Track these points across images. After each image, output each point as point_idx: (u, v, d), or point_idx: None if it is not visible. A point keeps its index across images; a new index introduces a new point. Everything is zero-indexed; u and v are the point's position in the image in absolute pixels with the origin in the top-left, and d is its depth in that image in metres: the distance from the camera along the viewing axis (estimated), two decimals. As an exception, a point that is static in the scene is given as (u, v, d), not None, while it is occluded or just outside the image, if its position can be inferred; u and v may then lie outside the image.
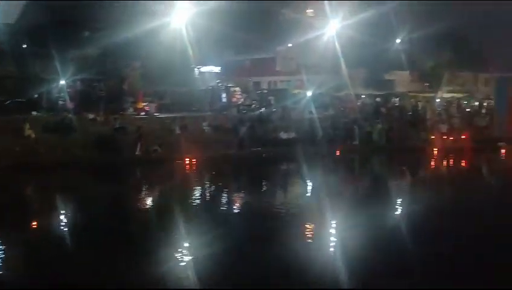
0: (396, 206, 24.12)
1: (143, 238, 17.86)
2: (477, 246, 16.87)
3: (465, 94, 78.23)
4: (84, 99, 47.97)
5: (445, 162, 43.00)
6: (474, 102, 71.28)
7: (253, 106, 54.59)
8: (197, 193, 27.75)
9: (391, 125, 49.09)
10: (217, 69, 72.70)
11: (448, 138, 48.30)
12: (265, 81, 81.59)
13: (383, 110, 57.08)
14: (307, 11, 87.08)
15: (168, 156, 36.44)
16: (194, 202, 25.11)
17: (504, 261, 15.36)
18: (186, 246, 17.07)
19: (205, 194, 28.07)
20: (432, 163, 42.78)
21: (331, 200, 23.55)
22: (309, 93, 55.87)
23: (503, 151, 47.27)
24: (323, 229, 19.29)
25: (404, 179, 34.90)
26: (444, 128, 49.85)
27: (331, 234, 18.81)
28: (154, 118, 45.11)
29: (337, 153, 42.55)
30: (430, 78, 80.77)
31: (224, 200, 26.63)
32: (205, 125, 42.86)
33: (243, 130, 41.38)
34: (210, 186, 30.44)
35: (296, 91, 61.08)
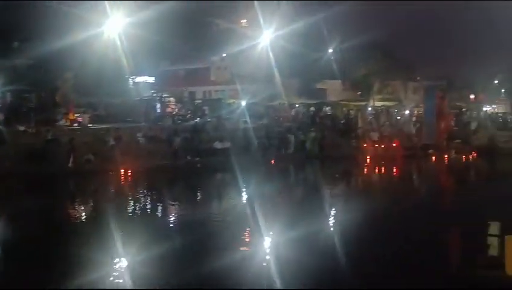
0: (329, 214, 24.44)
1: (69, 250, 17.53)
2: (406, 250, 17.30)
3: (396, 102, 79.94)
4: (15, 111, 46.90)
5: (376, 170, 43.86)
6: (404, 110, 72.88)
7: (188, 116, 54.38)
8: (131, 204, 27.46)
9: (324, 133, 49.74)
10: (152, 79, 72.23)
11: (379, 145, 49.35)
12: (200, 91, 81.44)
13: (316, 119, 57.77)
14: (241, 21, 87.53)
15: (102, 167, 35.97)
16: (126, 214, 24.83)
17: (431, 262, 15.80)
18: (115, 258, 16.86)
19: (138, 206, 27.76)
20: (364, 171, 43.58)
21: (266, 209, 23.67)
22: (243, 103, 56.06)
23: (432, 158, 48.54)
24: (258, 238, 19.40)
25: (337, 186, 35.39)
26: (375, 136, 50.86)
27: (265, 242, 18.92)
28: (88, 130, 44.42)
29: (272, 162, 42.81)
30: (361, 87, 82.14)
31: (157, 211, 26.45)
32: (140, 136, 42.46)
33: (178, 140, 41.22)
34: (143, 198, 30.15)
35: (230, 101, 61.24)
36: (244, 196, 29.82)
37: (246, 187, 31.39)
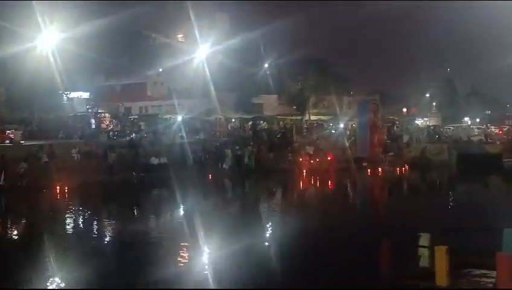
0: (264, 227, 24.59)
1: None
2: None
3: (331, 116, 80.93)
4: None
5: (311, 183, 44.35)
6: (339, 124, 73.85)
7: (124, 131, 53.79)
8: (64, 221, 26.93)
9: (260, 148, 50.05)
10: (87, 95, 71.26)
11: (314, 159, 49.94)
12: (136, 107, 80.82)
13: (252, 133, 58.07)
14: (177, 36, 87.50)
15: (35, 184, 35.19)
16: (59, 231, 24.34)
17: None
18: (49, 277, 16.55)
19: (72, 223, 27.27)
20: (300, 184, 43.99)
21: (202, 224, 23.58)
22: (180, 118, 55.91)
23: (366, 170, 49.39)
24: (193, 253, 19.38)
25: (273, 200, 35.61)
26: (310, 150, 51.41)
27: (200, 257, 18.90)
28: (20, 146, 43.34)
29: (209, 177, 42.80)
30: (297, 102, 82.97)
31: (92, 228, 26.04)
32: (74, 152, 41.73)
33: (113, 156, 40.78)
34: (77, 215, 29.57)
35: (167, 116, 60.95)
36: (181, 212, 29.72)
37: (182, 203, 31.25)
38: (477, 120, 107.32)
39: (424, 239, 15.24)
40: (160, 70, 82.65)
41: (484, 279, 14.21)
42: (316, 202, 34.60)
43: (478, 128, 79.68)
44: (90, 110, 62.76)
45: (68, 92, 60.80)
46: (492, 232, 16.01)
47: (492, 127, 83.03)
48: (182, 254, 19.58)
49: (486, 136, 63.62)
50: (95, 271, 16.56)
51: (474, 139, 63.44)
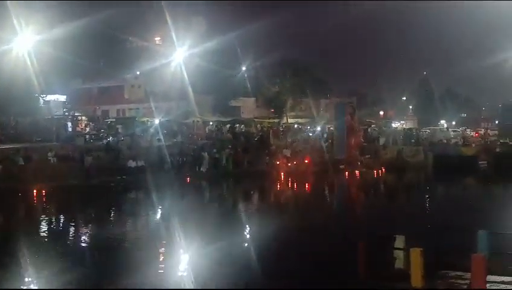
0: (241, 229, 24.62)
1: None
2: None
3: (308, 119, 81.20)
4: None
5: (289, 186, 44.46)
6: (316, 126, 74.11)
7: (101, 134, 53.49)
8: (39, 224, 26.71)
9: (238, 150, 50.04)
10: (63, 98, 70.68)
11: (292, 162, 50.04)
12: (113, 110, 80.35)
13: (230, 136, 58.04)
14: (155, 38, 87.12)
15: (11, 187, 34.80)
16: (35, 235, 24.11)
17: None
18: (26, 282, 16.42)
19: (47, 226, 27.06)
20: (277, 187, 44.03)
21: (179, 227, 23.56)
22: (157, 121, 55.73)
23: (343, 173, 49.62)
24: (173, 255, 19.36)
25: (250, 203, 35.64)
26: (288, 152, 51.49)
27: (178, 259, 18.88)
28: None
29: (187, 179, 42.72)
30: (274, 104, 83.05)
31: (68, 231, 25.88)
32: (51, 156, 41.37)
33: (90, 159, 40.49)
34: (53, 218, 29.35)
35: (144, 119, 60.66)
36: (158, 214, 29.64)
37: (159, 205, 31.19)
38: (453, 123, 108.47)
39: (399, 241, 15.37)
40: (138, 73, 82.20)
41: (459, 280, 14.35)
42: (293, 205, 34.70)
43: (454, 130, 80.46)
44: (67, 113, 62.22)
45: (45, 95, 60.24)
46: (467, 233, 16.17)
47: (468, 129, 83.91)
48: (159, 257, 19.53)
49: (463, 139, 64.16)
50: (68, 275, 16.48)
51: (451, 141, 63.94)
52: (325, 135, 62.50)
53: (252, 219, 28.34)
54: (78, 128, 55.23)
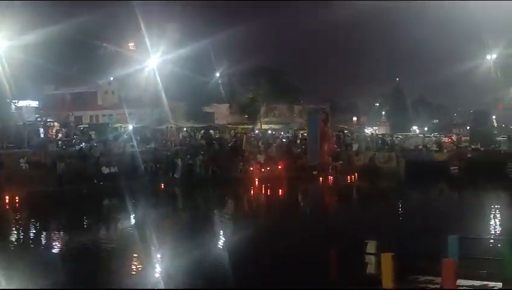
0: (216, 235, 24.62)
1: None
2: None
3: (282, 125, 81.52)
4: None
5: (262, 192, 44.49)
6: (290, 132, 74.38)
7: (74, 141, 53.04)
8: (10, 232, 26.41)
9: (212, 157, 49.95)
10: (36, 104, 70.03)
11: (265, 167, 50.08)
12: (86, 116, 79.83)
13: (203, 142, 57.92)
14: (128, 44, 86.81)
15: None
16: (3, 242, 23.86)
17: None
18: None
19: (19, 234, 26.78)
20: (251, 193, 44.01)
21: (153, 234, 23.49)
22: (131, 127, 55.47)
23: (316, 179, 49.77)
24: (145, 261, 19.30)
25: (224, 209, 35.59)
26: (261, 158, 51.52)
27: (153, 266, 18.81)
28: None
29: (160, 186, 42.55)
30: (248, 110, 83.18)
31: (40, 239, 25.62)
32: (23, 162, 40.95)
33: (62, 166, 40.12)
34: (24, 226, 28.97)
35: (117, 125, 60.33)
36: (130, 221, 29.49)
37: (133, 212, 31.03)
38: (425, 129, 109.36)
39: (371, 246, 15.44)
40: (111, 79, 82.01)
41: (429, 285, 14.46)
42: (266, 211, 34.70)
43: (427, 136, 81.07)
44: (39, 119, 61.65)
45: (16, 101, 59.77)
46: (438, 238, 16.32)
47: (440, 135, 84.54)
48: (131, 264, 19.45)
49: (438, 144, 64.58)
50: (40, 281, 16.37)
51: (427, 147, 64.26)
52: (299, 141, 62.63)
53: (225, 224, 28.40)
54: (50, 135, 54.61)
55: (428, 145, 65.33)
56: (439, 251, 15.06)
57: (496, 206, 34.50)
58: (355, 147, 60.79)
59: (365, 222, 26.73)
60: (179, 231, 26.08)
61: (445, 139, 74.87)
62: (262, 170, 49.72)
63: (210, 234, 24.66)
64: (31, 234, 26.97)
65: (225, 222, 29.89)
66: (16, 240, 25.29)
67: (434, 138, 75.92)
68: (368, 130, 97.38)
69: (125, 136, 52.44)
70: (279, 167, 50.44)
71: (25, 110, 64.10)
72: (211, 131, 65.27)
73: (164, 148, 53.12)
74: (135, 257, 20.41)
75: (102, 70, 76.54)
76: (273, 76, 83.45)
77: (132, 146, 48.69)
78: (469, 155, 56.20)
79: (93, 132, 55.99)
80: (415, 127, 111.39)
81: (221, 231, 26.01)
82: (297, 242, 21.87)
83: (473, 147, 61.94)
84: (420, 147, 64.31)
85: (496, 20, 77.07)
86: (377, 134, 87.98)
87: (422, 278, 14.91)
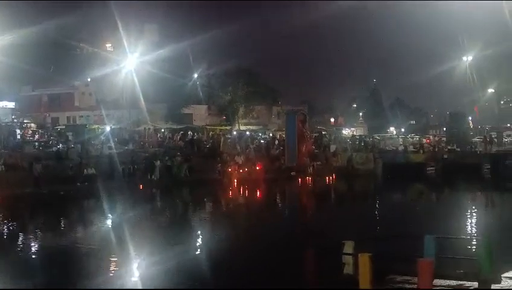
0: (194, 237, 24.57)
1: None
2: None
3: (260, 126, 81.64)
4: None
5: (240, 193, 44.45)
6: (268, 134, 74.50)
7: (51, 142, 52.62)
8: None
9: (190, 158, 49.85)
10: (12, 105, 69.45)
11: (243, 169, 50.08)
12: (63, 117, 79.29)
13: (181, 143, 57.79)
14: (106, 45, 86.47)
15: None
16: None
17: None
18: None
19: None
20: (229, 194, 43.90)
21: (130, 236, 23.41)
22: (108, 128, 55.18)
23: (294, 180, 49.90)
24: (124, 262, 19.24)
25: (202, 210, 35.49)
26: (239, 159, 51.53)
27: (131, 267, 18.75)
28: None
29: (138, 188, 42.37)
30: (226, 112, 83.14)
31: (17, 241, 25.36)
32: (-1, 164, 40.57)
33: (39, 167, 39.74)
34: (1, 228, 28.73)
35: (95, 126, 59.99)
36: (108, 224, 29.31)
37: (110, 214, 30.87)
38: (402, 130, 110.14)
39: (348, 247, 15.46)
40: (89, 80, 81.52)
41: (406, 285, 14.54)
42: (243, 212, 34.64)
43: (405, 138, 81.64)
44: (15, 120, 61.12)
45: (-7, 102, 59.39)
46: (415, 238, 16.41)
47: (416, 136, 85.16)
48: (109, 266, 19.35)
49: (421, 146, 64.91)
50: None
51: (406, 148, 64.58)
52: (277, 142, 62.73)
53: (202, 227, 28.31)
54: (26, 136, 54.09)
55: (406, 146, 65.88)
56: (415, 251, 15.13)
57: (472, 206, 34.90)
58: (333, 148, 61.14)
59: (342, 222, 26.86)
60: (155, 233, 25.96)
61: (424, 140, 75.46)
62: (240, 171, 49.71)
63: (186, 237, 24.58)
64: (6, 235, 26.69)
65: (201, 224, 29.77)
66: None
67: (411, 139, 76.59)
68: (346, 131, 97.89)
69: (103, 138, 52.20)
70: (257, 168, 50.49)
71: (1, 112, 63.59)
72: (189, 132, 65.16)
73: (142, 149, 52.94)
74: (109, 259, 20.26)
75: (79, 71, 76.16)
76: (252, 77, 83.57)
77: (110, 147, 48.43)
78: (445, 156, 56.71)
79: (70, 133, 55.56)
80: (392, 129, 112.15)
81: (197, 233, 25.97)
82: (273, 244, 21.91)
83: (449, 147, 62.56)
84: (400, 148, 64.70)
85: (472, 22, 78.06)
86: (354, 135, 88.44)
87: (399, 278, 14.97)
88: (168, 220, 31.65)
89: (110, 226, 28.63)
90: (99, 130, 56.68)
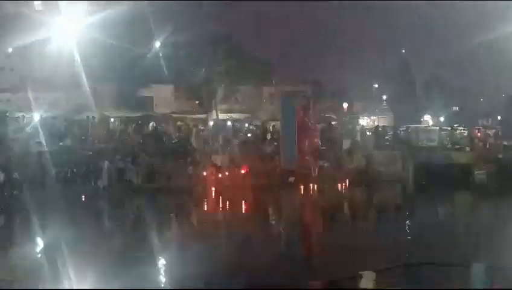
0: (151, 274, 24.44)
1: None
2: None
3: (246, 114, 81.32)
4: None
5: (219, 207, 44.19)
6: (257, 124, 74.30)
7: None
8: None
9: (151, 158, 49.75)
10: None
11: (224, 173, 49.89)
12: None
13: (139, 138, 57.70)
14: (35, 3, 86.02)
15: None
16: None
17: None
18: None
19: None
20: (203, 208, 43.61)
21: (66, 260, 23.27)
22: (37, 117, 54.96)
23: (293, 188, 49.69)
24: None
25: (164, 234, 35.17)
26: (218, 160, 51.36)
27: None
28: None
29: (78, 199, 42.23)
30: (200, 94, 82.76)
31: None
32: None
33: None
34: None
35: (18, 114, 59.77)
36: (33, 248, 29.10)
37: (36, 235, 30.66)
38: (441, 119, 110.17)
39: (367, 280, 15.45)
40: (9, 51, 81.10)
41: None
42: (222, 239, 34.32)
43: (450, 130, 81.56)
44: None
45: None
46: (456, 267, 16.39)
47: (464, 129, 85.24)
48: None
49: (471, 140, 64.76)
50: None
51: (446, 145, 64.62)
52: (269, 136, 62.54)
53: (164, 256, 27.99)
54: None
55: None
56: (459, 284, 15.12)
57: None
58: (346, 143, 60.87)
59: (359, 248, 26.72)
60: (98, 264, 25.70)
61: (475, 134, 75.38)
62: (219, 176, 49.56)
63: (142, 274, 24.34)
64: None
65: (163, 252, 29.49)
66: None
67: (455, 132, 76.57)
68: (364, 121, 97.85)
69: (29, 130, 51.99)
70: (243, 172, 50.33)
71: None
72: (150, 123, 65.07)
73: (84, 146, 52.81)
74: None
75: (-4, 39, 75.85)
76: (236, 48, 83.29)
77: (39, 144, 48.25)
78: (500, 155, 56.71)
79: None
80: (427, 117, 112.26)
81: (157, 267, 25.79)
82: (266, 277, 21.81)
83: (505, 144, 62.53)
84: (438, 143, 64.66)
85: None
86: (376, 126, 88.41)
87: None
88: (115, 246, 31.26)
89: (33, 252, 28.32)
90: (25, 119, 56.46)
